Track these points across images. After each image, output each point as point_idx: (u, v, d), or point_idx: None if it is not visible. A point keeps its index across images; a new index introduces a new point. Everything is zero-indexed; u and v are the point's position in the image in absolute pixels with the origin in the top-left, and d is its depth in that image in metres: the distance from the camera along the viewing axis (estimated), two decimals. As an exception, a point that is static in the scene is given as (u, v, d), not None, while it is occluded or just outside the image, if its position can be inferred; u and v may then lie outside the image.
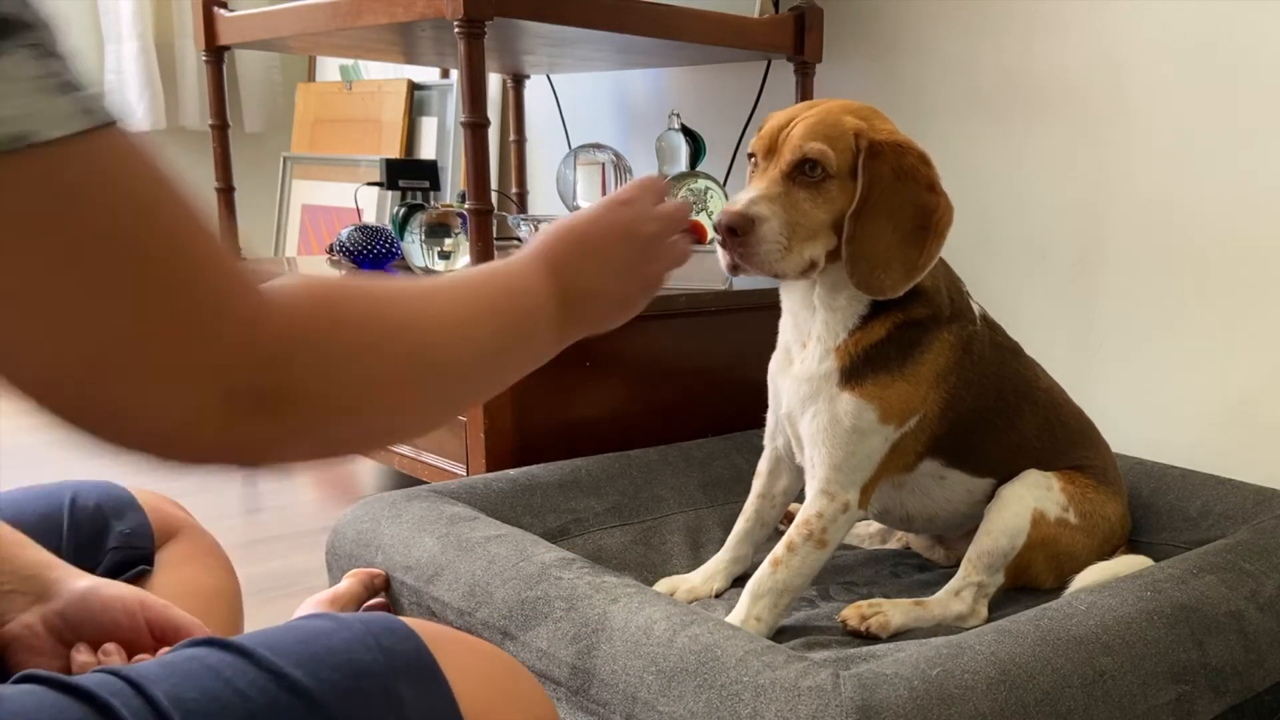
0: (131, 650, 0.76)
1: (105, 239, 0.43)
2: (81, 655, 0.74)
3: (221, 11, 2.03)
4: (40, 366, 0.44)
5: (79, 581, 0.77)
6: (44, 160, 0.41)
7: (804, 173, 1.08)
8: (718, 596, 1.25)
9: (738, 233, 1.05)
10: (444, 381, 0.61)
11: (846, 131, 1.10)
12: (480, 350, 0.64)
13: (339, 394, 0.52)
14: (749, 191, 1.08)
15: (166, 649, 0.75)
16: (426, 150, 2.83)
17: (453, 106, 2.76)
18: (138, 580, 0.88)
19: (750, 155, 1.14)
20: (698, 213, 1.82)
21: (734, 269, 1.08)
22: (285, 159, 3.11)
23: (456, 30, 1.48)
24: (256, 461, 0.53)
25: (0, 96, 0.40)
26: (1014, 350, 1.25)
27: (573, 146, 2.13)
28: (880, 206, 1.08)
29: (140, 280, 0.44)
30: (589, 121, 2.50)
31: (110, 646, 0.75)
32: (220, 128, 2.10)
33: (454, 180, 2.73)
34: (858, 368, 1.12)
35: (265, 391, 0.48)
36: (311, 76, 3.32)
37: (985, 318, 1.22)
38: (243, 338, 0.47)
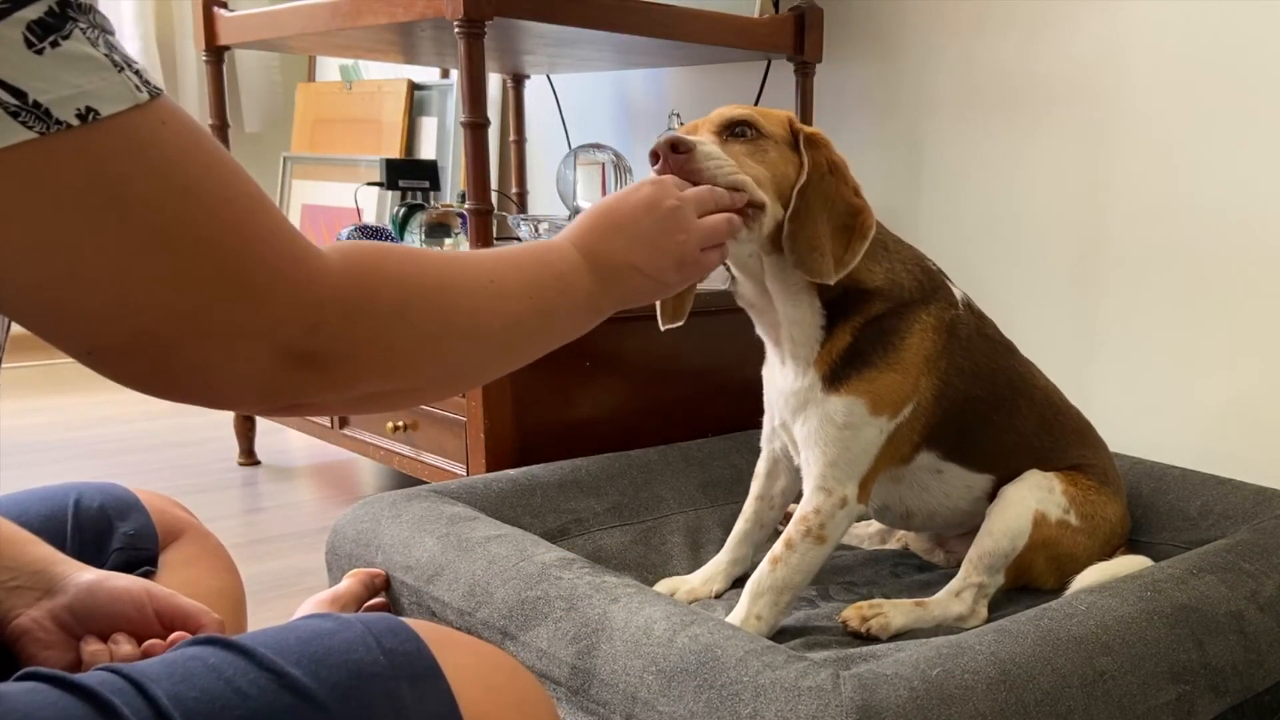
0: (141, 639, 0.76)
1: (160, 207, 0.46)
2: (91, 646, 0.75)
3: (221, 11, 2.03)
4: (106, 334, 0.47)
5: (85, 575, 0.77)
6: (105, 133, 0.44)
7: (734, 133, 1.06)
8: (717, 598, 1.25)
9: (679, 149, 0.98)
10: (479, 343, 0.66)
11: (779, 113, 1.10)
12: (514, 314, 0.69)
13: (377, 353, 0.57)
14: None
15: (177, 634, 0.75)
16: (426, 150, 2.83)
17: (453, 106, 2.75)
18: None
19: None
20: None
21: None
22: (285, 159, 3.10)
23: (456, 30, 1.48)
24: (299, 410, 0.57)
25: (66, 74, 0.43)
26: (1007, 346, 1.25)
27: (573, 146, 2.13)
28: (818, 194, 1.07)
29: (195, 245, 0.48)
30: (589, 121, 2.50)
31: (120, 635, 0.76)
32: (220, 128, 2.10)
33: (454, 180, 2.73)
34: (839, 371, 1.12)
35: (311, 350, 0.53)
36: (311, 76, 3.31)
37: (970, 305, 1.21)
38: (292, 301, 0.51)
